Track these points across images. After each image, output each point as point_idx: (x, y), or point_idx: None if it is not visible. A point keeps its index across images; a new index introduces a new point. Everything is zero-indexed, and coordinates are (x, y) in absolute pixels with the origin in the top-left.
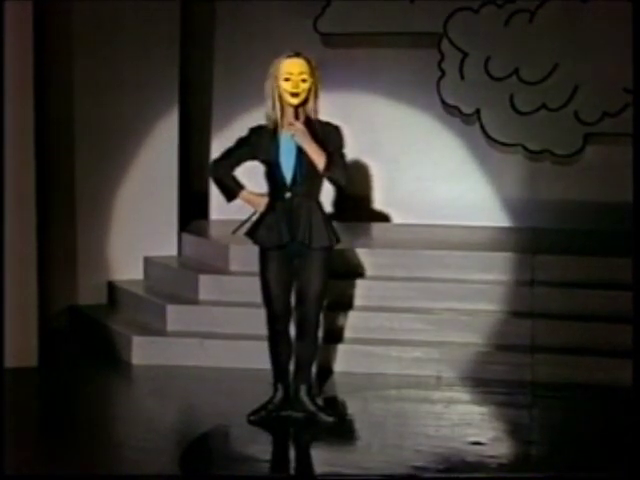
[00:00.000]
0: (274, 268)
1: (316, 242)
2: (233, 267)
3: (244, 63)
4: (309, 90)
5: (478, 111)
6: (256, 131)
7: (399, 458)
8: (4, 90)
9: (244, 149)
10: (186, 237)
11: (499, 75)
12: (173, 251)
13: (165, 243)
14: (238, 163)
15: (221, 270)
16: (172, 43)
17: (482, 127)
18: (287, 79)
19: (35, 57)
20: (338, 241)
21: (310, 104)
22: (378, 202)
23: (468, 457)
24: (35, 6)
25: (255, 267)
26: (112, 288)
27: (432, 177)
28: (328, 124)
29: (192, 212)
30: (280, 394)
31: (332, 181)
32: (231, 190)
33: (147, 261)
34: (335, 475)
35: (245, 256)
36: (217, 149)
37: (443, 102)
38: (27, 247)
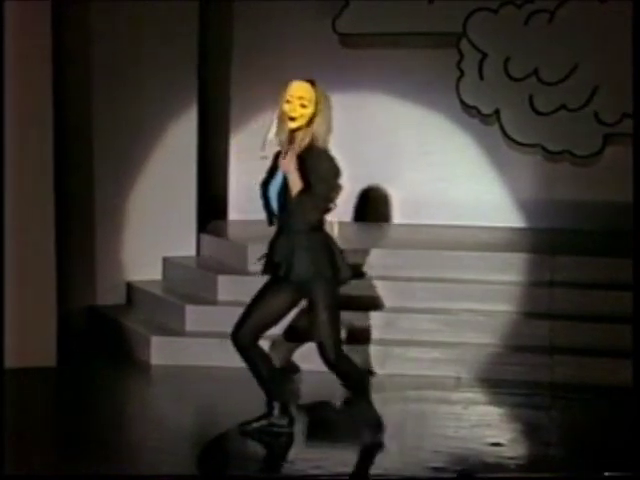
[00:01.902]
0: (263, 291)
1: (294, 275)
2: (251, 267)
3: (262, 63)
4: (310, 117)
5: (497, 111)
6: (277, 155)
7: (418, 459)
8: (4, 90)
9: (271, 172)
10: (205, 237)
11: (518, 75)
12: (192, 251)
13: (184, 243)
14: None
15: (240, 270)
16: (190, 44)
17: (501, 127)
18: (287, 101)
19: (54, 61)
20: (329, 273)
21: (313, 130)
22: (396, 203)
23: (487, 458)
24: (53, 8)
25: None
26: (131, 288)
27: (450, 178)
28: (324, 155)
29: (211, 213)
30: (277, 411)
31: (300, 209)
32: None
33: (166, 261)
34: (354, 475)
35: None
36: (235, 149)
37: (462, 102)
38: (46, 248)
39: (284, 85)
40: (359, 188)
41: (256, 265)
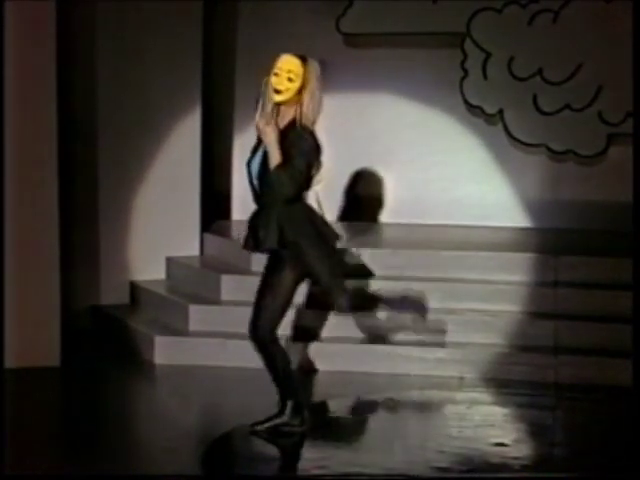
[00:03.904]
0: (264, 280)
1: (270, 242)
2: (255, 267)
3: (266, 63)
4: (298, 92)
5: (501, 111)
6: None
7: (422, 459)
8: (4, 89)
9: (255, 150)
10: (208, 237)
11: (522, 75)
12: (195, 251)
13: (187, 243)
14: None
15: (243, 270)
16: (195, 43)
17: (505, 127)
18: (275, 74)
19: (58, 58)
20: (291, 238)
21: (301, 108)
22: (400, 202)
23: (491, 458)
24: (59, 6)
25: None
26: (134, 288)
27: (455, 177)
28: (305, 131)
29: (214, 212)
30: (289, 410)
31: (277, 183)
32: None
33: (169, 261)
34: (358, 475)
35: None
36: (239, 149)
37: (466, 102)
38: (50, 247)
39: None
40: (364, 188)
41: (239, 241)
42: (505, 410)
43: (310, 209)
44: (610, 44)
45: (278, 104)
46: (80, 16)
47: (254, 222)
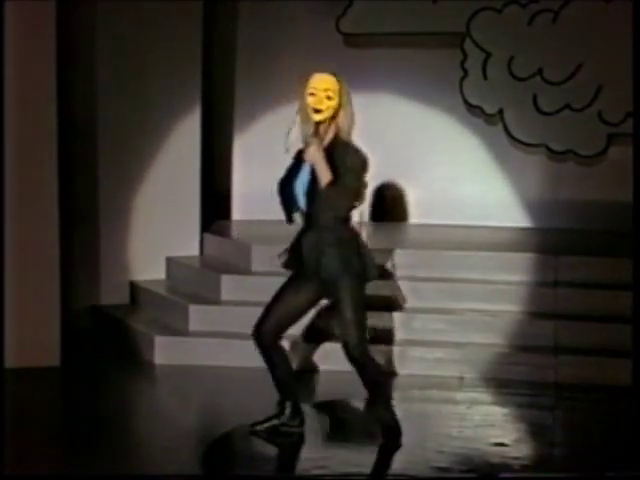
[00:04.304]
0: (284, 288)
1: (323, 272)
2: (255, 267)
3: (266, 63)
4: (335, 109)
5: (501, 111)
6: (298, 153)
7: (422, 459)
8: (4, 89)
9: (292, 170)
10: (208, 237)
11: (522, 75)
12: (195, 251)
13: (187, 243)
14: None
15: (243, 270)
16: (194, 43)
17: (505, 127)
18: (312, 94)
19: (58, 58)
20: (355, 270)
21: (338, 123)
22: (401, 202)
23: (491, 458)
24: (59, 6)
25: (277, 267)
26: (134, 288)
27: (455, 177)
28: (351, 147)
29: (214, 212)
30: (289, 411)
31: (330, 201)
32: (291, 212)
33: (169, 261)
34: (358, 475)
35: (267, 256)
36: (239, 149)
37: (466, 102)
38: (50, 247)
39: (303, 79)
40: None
41: (278, 260)
42: (505, 410)
43: (358, 235)
44: (610, 44)
45: (317, 123)
46: (80, 16)
47: (302, 244)
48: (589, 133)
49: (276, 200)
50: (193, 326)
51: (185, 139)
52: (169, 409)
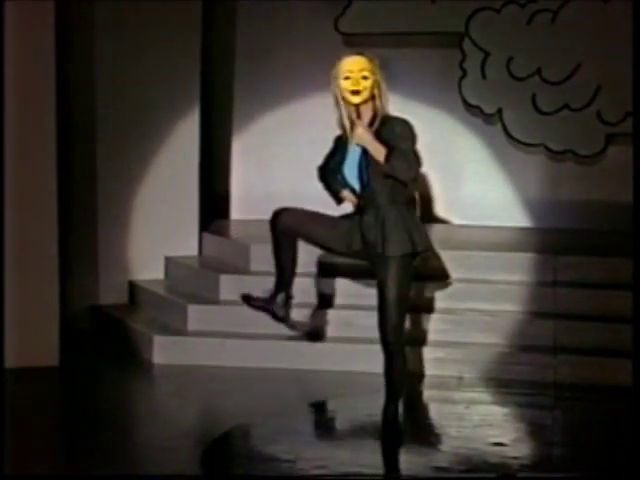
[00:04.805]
0: (335, 220)
1: (389, 251)
2: (254, 267)
3: (265, 62)
4: (372, 88)
5: (500, 111)
6: (336, 139)
7: (420, 458)
8: (4, 89)
9: (333, 158)
10: (207, 237)
11: (521, 75)
12: (194, 251)
13: (186, 243)
14: (334, 171)
15: (242, 270)
16: (193, 43)
17: (504, 127)
18: (347, 77)
19: (57, 56)
20: (421, 247)
21: (376, 102)
22: None
23: (490, 458)
24: (58, 6)
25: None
26: (133, 288)
27: (454, 177)
28: (395, 118)
29: (213, 212)
30: (279, 300)
31: (393, 176)
32: (337, 192)
33: (168, 261)
34: (356, 475)
35: (266, 256)
36: (238, 149)
37: (465, 102)
38: (49, 247)
39: (332, 64)
40: None
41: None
42: (504, 410)
43: (414, 212)
44: (609, 44)
45: (357, 105)
46: (79, 16)
47: (364, 227)
48: (588, 133)
49: (276, 200)
50: (192, 326)
51: (184, 139)
52: (168, 409)
